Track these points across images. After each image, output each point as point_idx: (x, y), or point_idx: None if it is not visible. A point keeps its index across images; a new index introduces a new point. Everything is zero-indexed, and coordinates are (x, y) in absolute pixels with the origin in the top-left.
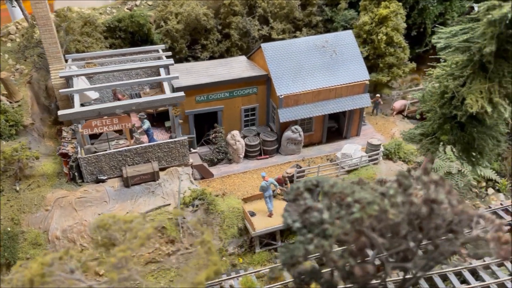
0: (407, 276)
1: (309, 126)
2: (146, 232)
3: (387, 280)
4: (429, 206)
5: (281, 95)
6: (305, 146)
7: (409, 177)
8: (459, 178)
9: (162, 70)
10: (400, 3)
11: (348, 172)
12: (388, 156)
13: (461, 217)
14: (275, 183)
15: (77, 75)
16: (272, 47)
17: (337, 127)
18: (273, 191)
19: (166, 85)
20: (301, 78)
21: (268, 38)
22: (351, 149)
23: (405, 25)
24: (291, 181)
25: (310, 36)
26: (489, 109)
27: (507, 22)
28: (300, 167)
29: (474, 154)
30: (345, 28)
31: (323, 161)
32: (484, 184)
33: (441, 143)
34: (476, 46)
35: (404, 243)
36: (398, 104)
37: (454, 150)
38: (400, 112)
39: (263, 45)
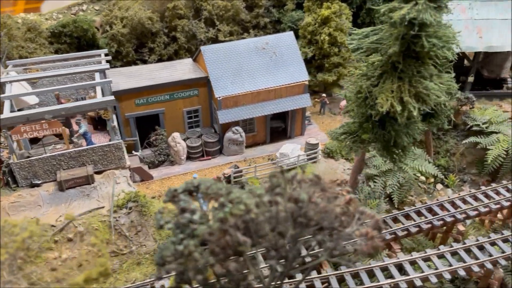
0: (278, 272)
1: (252, 127)
2: (21, 237)
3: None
4: (293, 205)
5: (219, 97)
6: (249, 146)
7: (280, 176)
8: (400, 175)
9: (97, 75)
10: (345, 4)
11: (287, 171)
12: (329, 154)
13: (325, 216)
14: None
15: (11, 81)
16: (212, 50)
17: (284, 127)
18: None
19: (98, 90)
20: (241, 79)
21: (215, 40)
22: (289, 148)
23: (350, 25)
24: (229, 182)
25: (251, 38)
26: (398, 108)
27: (407, 23)
28: (238, 168)
29: (396, 151)
30: (292, 29)
31: (264, 161)
32: (432, 180)
33: (363, 141)
34: (383, 47)
35: (280, 241)
36: (345, 103)
37: (375, 148)
38: None
39: (203, 48)
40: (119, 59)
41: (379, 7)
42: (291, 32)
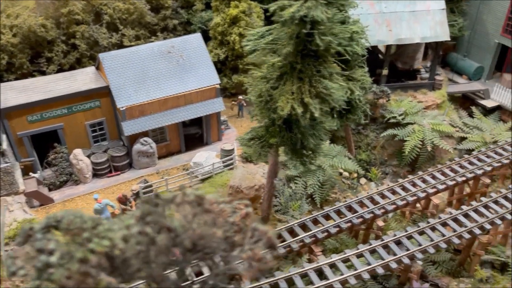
0: None
1: (164, 136)
2: None
3: None
4: (166, 235)
5: (122, 107)
6: (163, 156)
7: (155, 201)
8: (320, 173)
9: None
10: (255, 1)
11: (202, 180)
12: (247, 159)
13: (205, 242)
14: (112, 203)
15: None
16: (111, 57)
17: (201, 133)
18: (112, 212)
19: None
20: (146, 87)
21: (120, 46)
22: (202, 157)
23: (262, 23)
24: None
25: (155, 42)
26: (299, 110)
27: (298, 21)
28: (147, 182)
29: (306, 153)
30: (203, 30)
31: (179, 171)
32: (355, 175)
33: (271, 146)
34: (279, 47)
35: (159, 273)
36: None
37: (284, 152)
38: None
39: (101, 55)
40: (12, 71)
41: (268, 5)
42: (199, 34)
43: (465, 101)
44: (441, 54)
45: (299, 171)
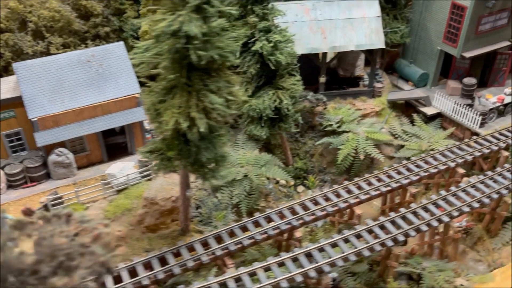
0: None
1: (83, 146)
2: None
3: None
4: None
5: (34, 118)
6: (84, 167)
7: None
8: (246, 183)
9: None
10: None
11: (119, 192)
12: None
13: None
14: (10, 216)
15: None
16: (26, 66)
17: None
18: None
19: None
20: (61, 97)
21: (47, 54)
22: (116, 168)
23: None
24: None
25: (75, 51)
26: (184, 125)
27: (170, 36)
28: (57, 194)
29: (208, 166)
30: (135, 38)
31: (97, 182)
32: (292, 183)
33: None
34: (159, 61)
35: None
36: None
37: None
38: None
39: (15, 65)
40: None
41: (139, 19)
42: (121, 43)
43: (408, 108)
44: (387, 60)
45: (225, 180)
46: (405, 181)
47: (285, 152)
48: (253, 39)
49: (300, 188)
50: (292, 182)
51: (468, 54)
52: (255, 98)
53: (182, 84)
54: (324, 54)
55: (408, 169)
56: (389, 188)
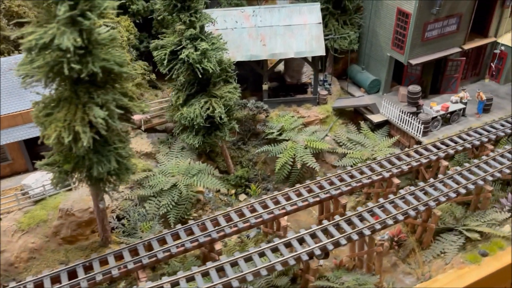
0: None
1: (4, 155)
2: None
3: None
4: None
5: None
6: (7, 176)
7: None
8: (175, 193)
9: None
10: (125, 15)
11: (35, 202)
12: None
13: None
14: None
15: None
16: None
17: None
18: None
19: None
20: None
21: None
22: (32, 178)
23: (134, 37)
24: None
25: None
26: (67, 139)
27: (39, 50)
28: None
29: (111, 179)
30: None
31: (17, 191)
32: (233, 191)
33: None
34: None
35: None
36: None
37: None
38: (138, 127)
39: None
40: None
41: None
42: None
43: (357, 115)
44: (341, 66)
45: (154, 190)
46: (335, 192)
47: (226, 160)
48: (179, 47)
49: (242, 197)
50: (233, 191)
51: (414, 61)
52: (187, 106)
53: (67, 97)
54: (265, 61)
55: (342, 179)
56: (317, 199)
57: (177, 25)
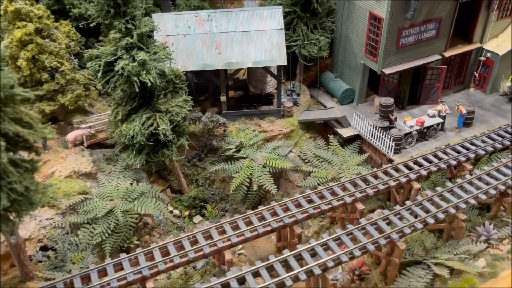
0: None
1: None
2: None
3: None
4: None
5: None
6: None
7: None
8: (112, 220)
9: None
10: (66, 20)
11: None
12: None
13: None
14: None
15: None
16: None
17: None
18: None
19: None
20: None
21: None
22: None
23: (75, 43)
24: None
25: None
26: None
27: None
28: None
29: (9, 216)
30: None
31: None
32: (187, 213)
33: None
34: None
35: None
36: (72, 135)
37: None
38: (81, 143)
39: None
40: None
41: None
42: None
43: (327, 129)
44: (314, 73)
45: (88, 216)
46: (289, 220)
47: (178, 179)
48: (115, 57)
49: (198, 219)
50: (186, 213)
51: (388, 70)
52: (127, 123)
53: None
54: (221, 71)
55: (298, 205)
56: (268, 228)
57: (111, 33)
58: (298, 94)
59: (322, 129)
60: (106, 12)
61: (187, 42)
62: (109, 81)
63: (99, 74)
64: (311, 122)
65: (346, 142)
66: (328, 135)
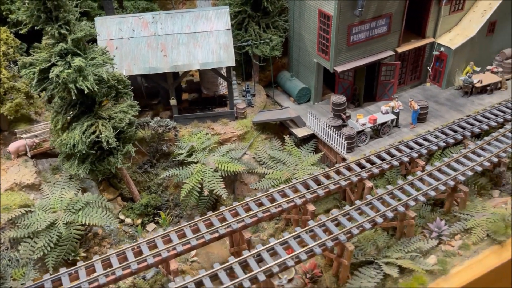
0: None
1: None
2: None
3: None
4: None
5: None
6: None
7: None
8: (55, 232)
9: None
10: (4, 26)
11: None
12: None
13: None
14: None
15: None
16: None
17: None
18: None
19: None
20: None
21: None
22: None
23: (12, 50)
24: None
25: None
26: None
27: None
28: None
29: None
30: None
31: None
32: (139, 221)
33: None
34: None
35: None
36: (14, 146)
37: None
38: (25, 153)
39: None
40: None
41: None
42: None
43: (283, 129)
44: (271, 73)
45: (29, 230)
46: (238, 225)
47: (129, 187)
48: (50, 64)
49: (151, 226)
50: (138, 221)
51: (340, 68)
52: (69, 131)
53: None
54: (168, 74)
55: (248, 209)
56: (216, 235)
57: (44, 39)
58: (254, 95)
59: (278, 130)
60: (37, 18)
61: (131, 46)
62: (46, 88)
63: (34, 82)
64: (267, 123)
65: (301, 142)
66: (284, 136)
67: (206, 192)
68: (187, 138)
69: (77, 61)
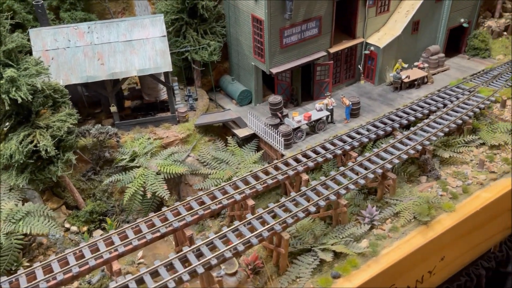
0: None
1: None
2: None
3: None
4: None
5: None
6: None
7: None
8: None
9: None
10: None
11: None
12: None
13: None
14: None
15: None
16: None
17: None
18: None
19: None
20: None
21: None
22: None
23: None
24: None
25: None
26: None
27: None
28: None
29: None
30: None
31: None
32: (86, 228)
33: None
34: None
35: None
36: None
37: None
38: None
39: None
40: None
41: None
42: None
43: (226, 130)
44: (214, 77)
45: None
46: (179, 224)
47: (73, 195)
48: None
49: (98, 233)
50: (84, 228)
51: (276, 70)
52: (5, 142)
53: None
54: (111, 81)
55: (189, 208)
56: (158, 234)
57: None
58: (196, 99)
59: (222, 131)
60: None
61: (68, 56)
62: None
63: None
64: (209, 125)
65: (244, 141)
66: (227, 137)
67: (149, 195)
68: (130, 144)
69: (9, 72)
